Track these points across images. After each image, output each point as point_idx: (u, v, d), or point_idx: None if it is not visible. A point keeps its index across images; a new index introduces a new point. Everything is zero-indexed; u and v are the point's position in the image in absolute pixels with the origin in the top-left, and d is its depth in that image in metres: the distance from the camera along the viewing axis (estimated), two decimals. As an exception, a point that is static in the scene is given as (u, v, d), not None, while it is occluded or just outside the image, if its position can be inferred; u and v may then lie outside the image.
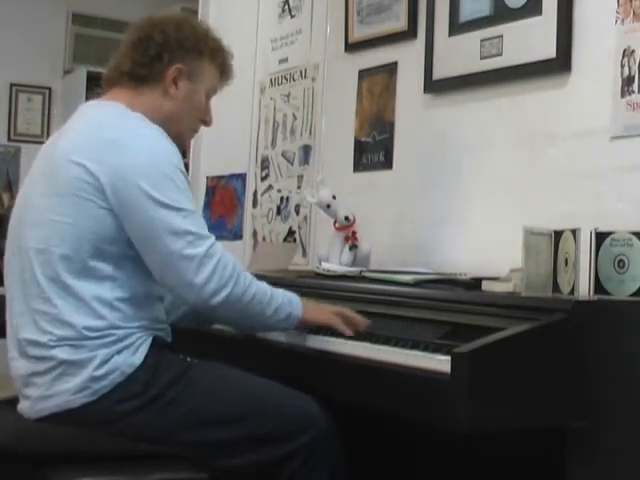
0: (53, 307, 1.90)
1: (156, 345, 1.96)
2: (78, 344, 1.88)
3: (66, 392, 1.88)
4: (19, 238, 1.99)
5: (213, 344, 2.35)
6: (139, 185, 1.89)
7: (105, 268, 1.91)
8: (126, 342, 1.91)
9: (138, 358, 1.91)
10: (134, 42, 2.09)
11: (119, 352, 1.89)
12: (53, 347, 1.89)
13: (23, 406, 1.95)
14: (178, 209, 1.90)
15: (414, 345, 1.86)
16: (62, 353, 1.88)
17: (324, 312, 2.09)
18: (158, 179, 1.91)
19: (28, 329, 1.93)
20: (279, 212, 3.48)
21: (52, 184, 1.95)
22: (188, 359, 2.09)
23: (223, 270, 1.90)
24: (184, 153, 2.19)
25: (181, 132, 2.13)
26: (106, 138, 1.93)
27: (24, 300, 1.95)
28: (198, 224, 1.92)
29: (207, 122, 2.21)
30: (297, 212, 3.38)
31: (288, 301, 2.02)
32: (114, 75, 2.10)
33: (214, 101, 2.21)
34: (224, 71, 2.18)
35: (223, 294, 1.90)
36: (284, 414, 1.94)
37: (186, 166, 4.30)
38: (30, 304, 1.93)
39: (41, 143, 2.10)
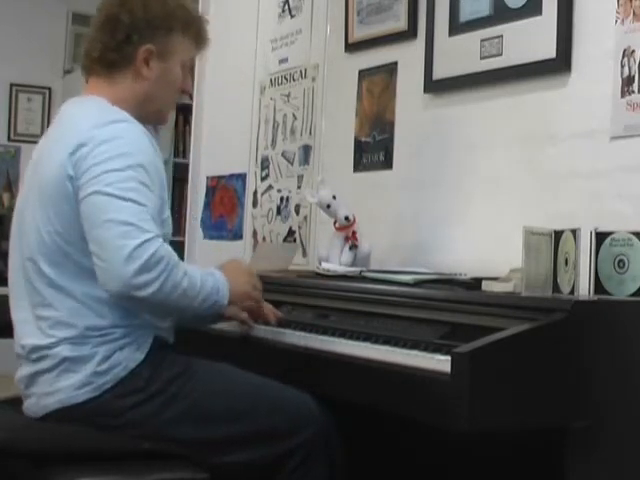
0: (54, 311, 1.92)
1: (158, 344, 1.97)
2: (80, 342, 1.90)
3: (69, 388, 1.89)
4: (18, 249, 2.02)
5: (213, 344, 2.35)
6: (90, 174, 1.87)
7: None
8: (128, 339, 1.92)
9: (141, 354, 1.92)
10: (102, 23, 2.06)
11: (121, 348, 1.91)
12: (55, 347, 1.91)
13: (27, 404, 1.97)
14: (120, 198, 1.84)
15: (414, 345, 1.86)
16: (64, 351, 1.90)
17: (243, 298, 2.09)
18: (110, 168, 1.86)
19: (31, 335, 1.96)
20: (279, 212, 3.48)
21: (35, 192, 1.97)
22: (190, 357, 2.09)
23: (154, 266, 1.81)
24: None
25: (159, 108, 2.11)
26: (75, 137, 1.92)
27: (26, 308, 1.97)
28: (139, 216, 1.84)
29: (187, 91, 2.18)
30: (297, 212, 3.38)
31: (216, 291, 1.96)
32: (87, 63, 2.09)
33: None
34: (199, 40, 2.14)
35: (149, 290, 1.82)
36: (285, 410, 1.95)
37: (186, 166, 4.28)
38: (32, 311, 1.96)
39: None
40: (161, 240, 1.86)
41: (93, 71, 2.08)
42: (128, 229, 1.82)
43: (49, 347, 1.91)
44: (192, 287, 1.90)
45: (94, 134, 1.91)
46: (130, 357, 1.91)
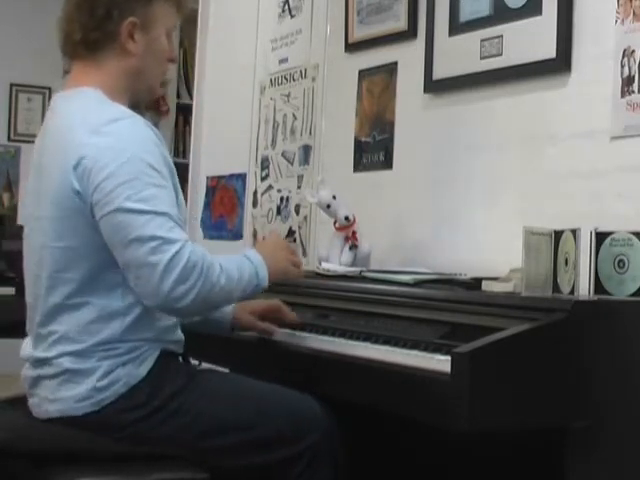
0: (61, 326, 1.90)
1: (164, 357, 1.94)
2: (85, 355, 1.88)
3: (69, 399, 1.88)
4: (29, 263, 2.00)
5: (216, 346, 2.35)
6: (102, 189, 1.82)
7: (114, 276, 1.89)
8: (133, 354, 1.89)
9: (143, 370, 1.90)
10: (78, 3, 2.00)
11: (124, 364, 1.88)
12: (57, 358, 1.90)
13: (31, 403, 1.97)
14: (141, 212, 1.81)
15: (414, 345, 1.86)
16: (67, 362, 1.89)
17: (285, 270, 2.08)
18: (122, 181, 1.82)
19: (36, 348, 1.95)
20: (279, 212, 3.48)
21: (42, 205, 1.93)
22: (194, 364, 2.08)
23: (190, 273, 1.81)
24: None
25: (150, 83, 2.06)
26: (74, 144, 1.87)
27: (34, 323, 1.96)
28: (165, 227, 1.81)
29: (173, 59, 2.12)
30: (297, 212, 3.38)
31: (254, 275, 1.95)
32: (69, 47, 2.03)
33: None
34: (180, 4, 2.08)
35: (190, 297, 1.81)
36: (289, 417, 1.93)
37: (186, 166, 4.28)
38: (38, 330, 1.94)
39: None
40: (190, 244, 1.84)
41: (77, 55, 2.02)
42: (156, 244, 1.79)
43: (52, 358, 1.91)
44: (230, 281, 1.89)
45: (94, 142, 1.85)
46: (131, 373, 1.88)
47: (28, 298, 2.01)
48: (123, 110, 1.94)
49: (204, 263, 1.84)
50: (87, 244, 1.88)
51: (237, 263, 1.94)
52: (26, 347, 2.00)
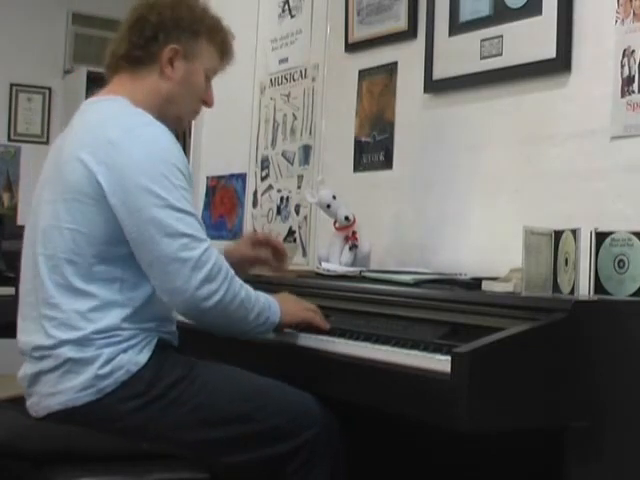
0: (61, 312, 1.91)
1: (161, 346, 1.96)
2: (85, 343, 1.89)
3: (71, 390, 1.88)
4: (32, 245, 2.01)
5: (216, 345, 2.35)
6: (135, 185, 1.88)
7: (114, 270, 1.92)
8: (132, 341, 1.91)
9: (143, 357, 1.91)
10: (130, 24, 2.07)
11: (125, 351, 1.90)
12: (58, 348, 1.90)
13: (30, 403, 1.97)
14: (174, 209, 1.88)
15: (414, 345, 1.86)
16: (68, 352, 1.89)
17: (298, 313, 2.10)
18: (155, 179, 1.88)
19: (34, 334, 1.95)
20: (279, 212, 3.48)
21: (57, 189, 1.96)
22: (192, 359, 2.09)
23: (217, 275, 1.88)
24: (183, 135, 2.18)
25: (180, 114, 2.12)
26: (104, 139, 1.92)
27: (34, 306, 1.96)
28: (194, 226, 1.89)
29: (208, 103, 2.18)
30: (297, 212, 3.38)
31: (267, 307, 2.01)
32: (113, 61, 2.09)
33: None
34: (224, 51, 2.15)
35: (215, 299, 1.88)
36: (287, 411, 1.95)
37: (186, 166, 4.22)
38: (39, 310, 1.95)
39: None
40: (214, 248, 1.90)
41: (119, 67, 2.08)
42: (187, 241, 1.87)
43: (52, 347, 1.91)
44: (248, 298, 1.96)
45: (127, 140, 1.91)
46: (132, 360, 1.90)
47: (26, 284, 2.01)
48: (149, 116, 1.99)
49: (229, 271, 1.92)
50: (96, 232, 1.91)
51: (254, 291, 2.00)
52: (22, 335, 1.99)
